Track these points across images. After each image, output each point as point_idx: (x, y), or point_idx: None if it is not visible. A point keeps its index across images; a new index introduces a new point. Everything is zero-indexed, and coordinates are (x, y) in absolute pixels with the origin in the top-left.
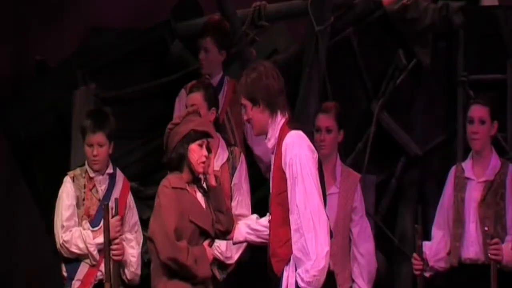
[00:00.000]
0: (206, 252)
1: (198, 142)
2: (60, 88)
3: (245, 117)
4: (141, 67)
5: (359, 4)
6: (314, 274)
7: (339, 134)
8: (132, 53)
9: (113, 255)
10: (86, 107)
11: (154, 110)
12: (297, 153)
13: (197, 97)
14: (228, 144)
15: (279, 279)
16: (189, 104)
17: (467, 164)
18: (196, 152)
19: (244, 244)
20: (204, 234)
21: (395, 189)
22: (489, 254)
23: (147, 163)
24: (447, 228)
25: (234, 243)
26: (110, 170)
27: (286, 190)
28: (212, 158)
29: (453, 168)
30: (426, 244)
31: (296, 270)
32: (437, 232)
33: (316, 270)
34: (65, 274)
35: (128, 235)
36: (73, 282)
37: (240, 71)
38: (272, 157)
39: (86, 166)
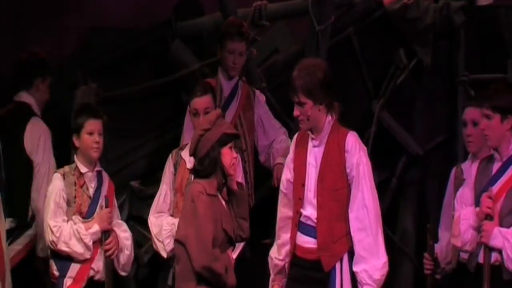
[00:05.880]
0: (231, 260)
1: (229, 144)
2: (61, 87)
3: (297, 113)
4: (142, 67)
5: (359, 3)
6: (383, 274)
7: None
8: (133, 53)
9: (106, 250)
10: None
11: (155, 110)
12: (363, 154)
13: (209, 99)
14: (239, 149)
15: (325, 274)
16: (200, 107)
17: (466, 166)
18: (228, 155)
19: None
20: (230, 241)
21: (396, 189)
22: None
23: (148, 162)
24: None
25: None
26: (98, 167)
27: (345, 187)
28: (236, 160)
29: (454, 169)
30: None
31: (349, 267)
32: (444, 234)
33: (385, 271)
34: (56, 272)
35: (119, 220)
36: (65, 279)
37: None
38: (319, 150)
39: (76, 164)
